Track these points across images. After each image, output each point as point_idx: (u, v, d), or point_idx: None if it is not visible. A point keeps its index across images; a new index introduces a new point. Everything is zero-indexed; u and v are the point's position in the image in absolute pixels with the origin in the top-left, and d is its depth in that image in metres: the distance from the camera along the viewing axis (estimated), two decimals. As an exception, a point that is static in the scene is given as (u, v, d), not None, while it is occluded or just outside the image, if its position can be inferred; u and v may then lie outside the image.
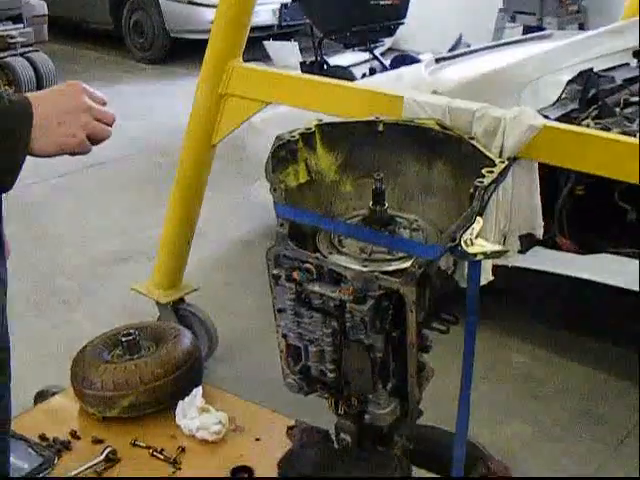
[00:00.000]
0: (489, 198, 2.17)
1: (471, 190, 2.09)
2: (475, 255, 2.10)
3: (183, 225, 3.44)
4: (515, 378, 3.67)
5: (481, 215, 2.13)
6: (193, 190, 3.35)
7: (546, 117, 3.67)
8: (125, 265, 4.80)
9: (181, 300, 3.65)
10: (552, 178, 3.33)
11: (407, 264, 2.16)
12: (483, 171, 2.13)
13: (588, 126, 3.66)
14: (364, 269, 2.19)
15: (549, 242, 3.79)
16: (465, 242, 2.08)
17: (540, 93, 4.10)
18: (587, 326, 3.86)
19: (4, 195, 1.62)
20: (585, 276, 3.54)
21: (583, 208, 3.74)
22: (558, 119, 3.76)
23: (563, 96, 4.02)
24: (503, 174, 2.19)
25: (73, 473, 2.54)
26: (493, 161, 2.20)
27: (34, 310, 4.32)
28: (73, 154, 1.60)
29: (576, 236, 3.78)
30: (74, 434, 2.74)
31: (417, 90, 3.40)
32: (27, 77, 7.83)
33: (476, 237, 2.10)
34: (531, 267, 3.68)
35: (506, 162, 2.19)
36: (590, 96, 3.91)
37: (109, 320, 3.98)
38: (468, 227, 2.07)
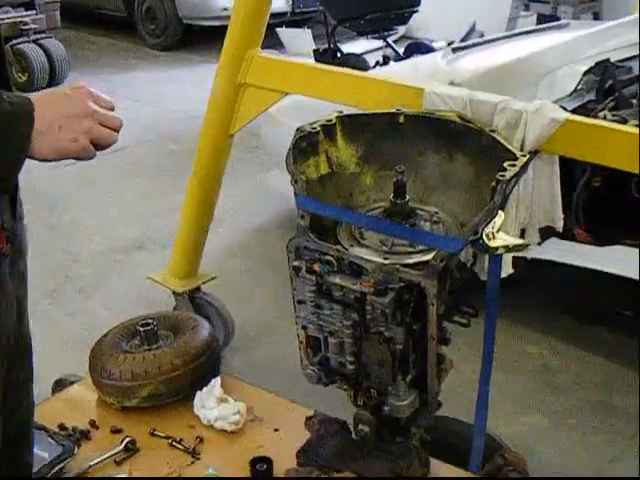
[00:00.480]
0: (510, 191, 2.18)
1: (492, 184, 2.09)
2: (497, 249, 2.10)
3: (200, 214, 3.45)
4: (530, 369, 3.68)
5: (503, 209, 2.14)
6: (210, 179, 3.35)
7: (563, 108, 3.69)
8: (140, 253, 4.82)
9: (197, 289, 3.66)
10: (569, 169, 3.31)
11: (428, 257, 2.16)
12: (505, 165, 2.13)
13: (605, 117, 3.65)
14: (385, 262, 2.20)
15: (565, 233, 3.78)
16: (487, 236, 2.08)
17: (557, 84, 4.08)
18: (602, 317, 3.86)
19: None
20: (601, 268, 3.54)
21: (599, 200, 3.73)
22: (574, 110, 3.76)
23: (580, 87, 4.00)
24: (524, 167, 2.19)
25: (93, 462, 2.55)
26: (514, 154, 2.20)
27: (49, 298, 4.33)
28: (77, 159, 1.55)
29: (592, 228, 3.77)
30: (93, 424, 2.74)
31: (434, 80, 3.41)
32: (40, 64, 7.84)
33: (497, 231, 2.10)
34: (547, 258, 3.68)
35: (527, 156, 2.19)
36: (607, 87, 3.89)
37: (125, 308, 4.01)
38: (490, 221, 2.08)
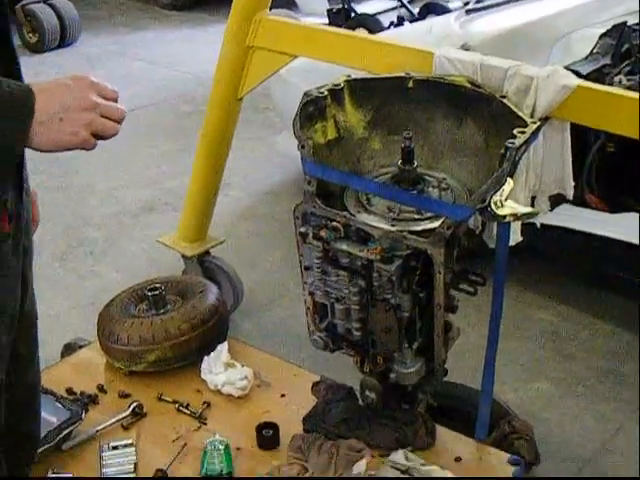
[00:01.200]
0: (520, 159, 2.15)
1: (502, 150, 2.06)
2: (505, 217, 2.08)
3: (209, 178, 3.42)
4: (540, 336, 3.65)
5: (512, 176, 2.11)
6: (219, 143, 3.32)
7: (577, 72, 3.62)
8: (151, 215, 4.80)
9: (207, 253, 3.65)
10: (582, 134, 3.27)
11: (435, 224, 2.14)
12: (515, 131, 2.10)
13: (620, 82, 3.60)
14: (392, 228, 2.18)
15: (577, 200, 3.75)
16: (495, 203, 2.05)
17: (572, 47, 4.03)
18: (615, 285, 3.83)
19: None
20: (613, 235, 3.50)
21: (613, 165, 3.69)
22: (589, 74, 3.70)
23: (595, 50, 3.94)
24: (534, 134, 2.16)
25: (100, 427, 2.55)
26: (524, 121, 2.17)
27: (60, 261, 4.33)
28: (80, 149, 1.52)
29: (605, 194, 3.73)
30: (101, 388, 2.75)
31: (447, 42, 3.36)
32: (51, 24, 7.77)
33: (506, 199, 2.07)
34: (559, 225, 3.65)
35: (538, 122, 2.16)
36: (623, 51, 3.83)
37: (136, 271, 4.00)
38: (498, 188, 2.05)
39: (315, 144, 2.31)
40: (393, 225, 2.19)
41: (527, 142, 2.11)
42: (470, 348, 3.01)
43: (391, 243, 2.17)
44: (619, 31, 3.84)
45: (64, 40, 7.93)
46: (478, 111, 2.31)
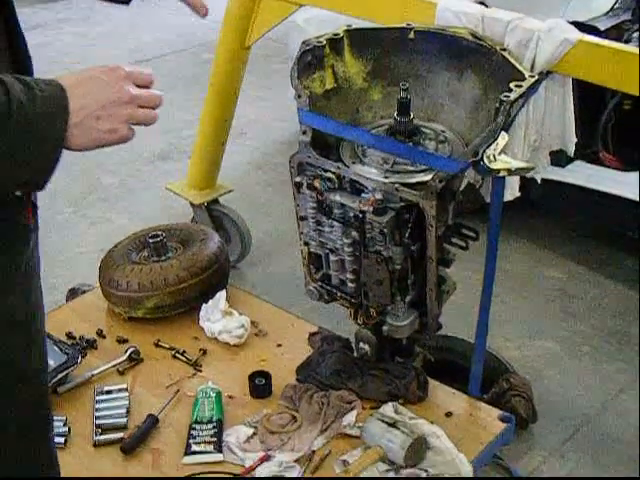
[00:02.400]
0: (516, 113, 2.12)
1: (496, 104, 2.03)
2: (498, 171, 2.05)
3: (217, 126, 3.41)
4: (547, 294, 3.63)
5: (507, 130, 2.08)
6: (227, 91, 3.31)
7: (595, 27, 3.57)
8: (166, 163, 4.81)
9: (215, 201, 3.64)
10: (597, 91, 3.22)
11: (430, 177, 2.12)
12: (511, 85, 2.07)
13: (639, 38, 3.54)
14: (385, 180, 2.16)
15: (592, 157, 3.70)
16: (488, 157, 2.03)
17: (593, 2, 3.95)
18: (626, 243, 3.79)
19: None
20: (627, 194, 3.46)
21: (630, 123, 3.63)
22: (608, 30, 3.64)
23: (616, 6, 3.87)
24: (532, 89, 2.12)
25: (96, 371, 2.58)
26: (524, 75, 2.13)
27: (73, 207, 4.35)
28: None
29: (620, 152, 3.68)
30: (100, 333, 2.77)
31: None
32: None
33: (500, 153, 2.04)
34: (572, 182, 3.62)
35: (536, 76, 2.13)
36: (644, 7, 3.76)
37: (147, 219, 4.01)
38: (492, 142, 2.02)
39: (312, 94, 2.29)
40: (387, 177, 2.17)
41: (524, 96, 2.08)
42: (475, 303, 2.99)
43: (384, 195, 2.15)
44: (640, -14, 3.77)
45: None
46: (479, 64, 2.28)
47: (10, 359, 1.40)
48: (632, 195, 3.43)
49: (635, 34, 3.59)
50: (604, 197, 3.55)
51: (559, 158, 3.34)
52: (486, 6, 2.63)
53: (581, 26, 3.44)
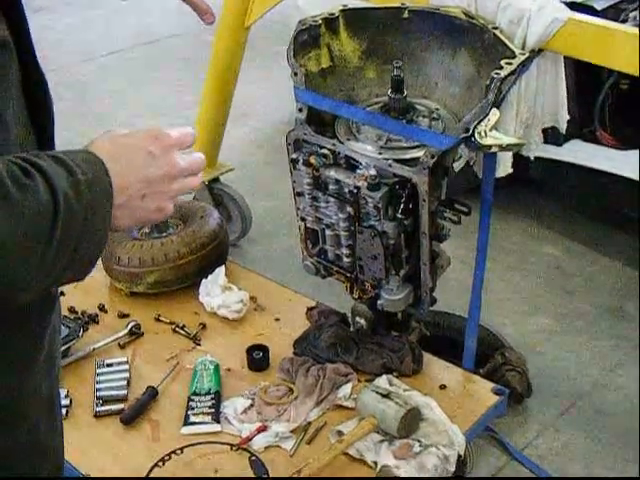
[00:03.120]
0: (508, 90, 2.16)
1: (487, 81, 2.07)
2: (489, 147, 2.09)
3: (218, 106, 3.45)
4: (545, 270, 3.66)
5: (498, 107, 2.12)
6: (227, 71, 3.34)
7: (592, 7, 3.59)
8: (169, 143, 4.83)
9: (216, 180, 3.69)
10: (594, 70, 3.24)
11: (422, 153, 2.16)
12: (502, 62, 2.11)
13: (635, 18, 3.55)
14: (379, 156, 2.20)
15: (589, 135, 3.73)
16: (479, 134, 2.07)
17: (592, -19, 3.96)
18: (622, 221, 3.82)
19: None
20: (625, 172, 3.49)
21: (627, 102, 3.66)
22: (605, 10, 3.66)
23: (615, -15, 3.89)
24: (523, 66, 2.16)
25: (98, 345, 2.63)
26: (514, 52, 2.17)
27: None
28: None
29: (617, 130, 3.71)
30: (102, 308, 2.83)
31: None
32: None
33: (491, 129, 2.08)
34: (570, 160, 3.65)
35: (526, 54, 2.16)
36: (641, -13, 3.77)
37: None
38: (483, 118, 2.07)
39: (309, 72, 2.34)
40: (380, 153, 2.22)
41: (514, 73, 2.12)
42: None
43: (378, 171, 2.20)
44: (638, -34, 3.78)
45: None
46: (471, 42, 2.32)
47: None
48: (629, 173, 3.46)
49: (631, 14, 3.61)
50: (601, 175, 3.58)
51: (556, 136, 3.37)
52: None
53: (578, 6, 3.50)
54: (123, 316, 2.78)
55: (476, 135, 2.06)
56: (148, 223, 1.19)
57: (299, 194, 2.40)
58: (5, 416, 1.20)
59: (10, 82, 1.13)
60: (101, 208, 1.08)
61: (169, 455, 2.23)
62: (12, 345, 1.18)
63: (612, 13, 3.64)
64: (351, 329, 2.61)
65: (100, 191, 1.08)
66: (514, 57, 2.15)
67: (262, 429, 2.29)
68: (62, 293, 1.21)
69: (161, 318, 2.76)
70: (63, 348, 2.55)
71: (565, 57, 2.45)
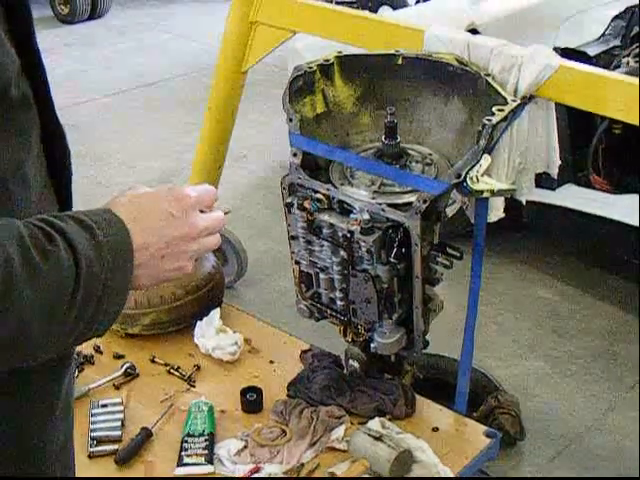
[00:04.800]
0: (500, 136, 2.19)
1: (479, 128, 2.11)
2: (481, 192, 2.13)
3: (215, 150, 3.49)
4: (539, 313, 3.69)
5: (489, 153, 2.15)
6: (224, 115, 3.39)
7: (585, 53, 3.66)
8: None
9: (213, 223, 3.71)
10: (587, 115, 3.30)
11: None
12: (494, 109, 2.15)
13: (628, 64, 3.62)
14: (372, 201, 2.23)
15: (582, 180, 3.78)
16: (471, 179, 2.10)
17: (585, 28, 4.03)
18: (615, 265, 3.85)
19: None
20: (618, 217, 3.53)
21: (619, 147, 3.70)
22: (598, 55, 3.73)
23: (607, 32, 3.96)
24: (514, 113, 2.20)
25: (93, 385, 2.64)
26: (506, 99, 2.21)
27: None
28: None
29: (610, 175, 3.76)
30: (97, 349, 2.83)
31: (456, 23, 3.38)
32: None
33: (483, 175, 2.12)
34: (563, 205, 3.68)
35: (518, 101, 2.21)
36: (633, 34, 3.85)
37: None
38: (475, 164, 2.10)
39: (304, 117, 2.38)
40: (374, 198, 2.25)
41: (506, 120, 2.16)
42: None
43: (371, 215, 2.23)
44: (630, 14, 3.86)
45: (95, 12, 7.98)
46: (464, 89, 2.36)
47: None
48: (622, 217, 3.50)
49: (624, 60, 3.67)
50: (595, 219, 3.62)
51: (550, 181, 3.41)
52: (478, 34, 2.72)
53: (571, 52, 3.56)
54: (118, 357, 2.79)
55: (468, 180, 2.09)
56: (167, 282, 1.19)
57: (293, 237, 2.43)
58: (21, 469, 1.22)
59: (32, 140, 1.15)
60: (122, 269, 1.08)
61: (162, 496, 2.24)
62: (31, 400, 1.20)
63: (605, 59, 3.71)
64: (344, 372, 2.62)
65: (121, 252, 1.08)
66: (506, 104, 2.19)
67: (255, 470, 2.30)
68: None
69: (156, 359, 2.77)
70: (58, 389, 2.57)
71: (558, 103, 2.50)
